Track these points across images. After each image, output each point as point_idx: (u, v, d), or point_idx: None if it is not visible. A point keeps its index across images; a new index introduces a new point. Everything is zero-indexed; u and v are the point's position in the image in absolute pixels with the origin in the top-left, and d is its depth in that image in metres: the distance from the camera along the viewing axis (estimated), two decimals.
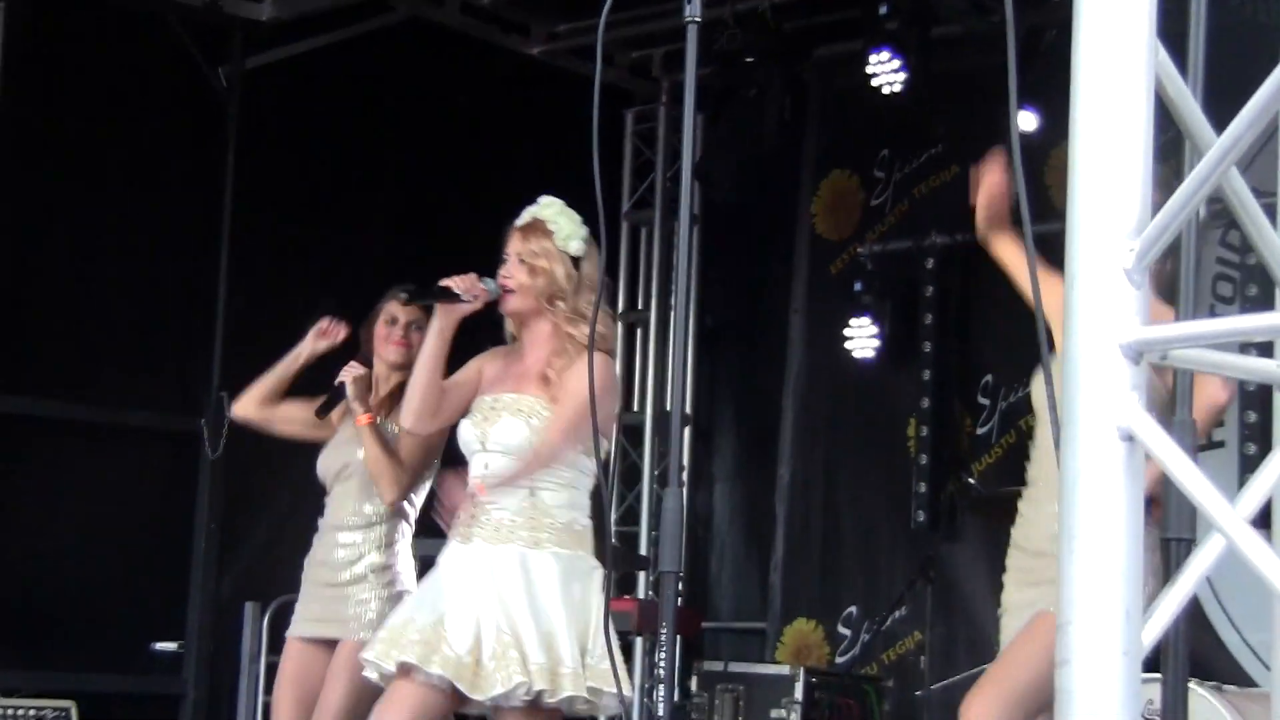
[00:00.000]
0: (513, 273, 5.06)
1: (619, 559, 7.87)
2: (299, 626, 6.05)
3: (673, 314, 10.67)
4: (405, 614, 5.04)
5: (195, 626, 9.02)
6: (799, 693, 8.14)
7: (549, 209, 5.11)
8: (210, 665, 8.99)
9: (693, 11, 4.06)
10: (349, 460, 5.96)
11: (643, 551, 10.27)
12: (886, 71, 8.94)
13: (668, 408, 10.65)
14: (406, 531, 5.98)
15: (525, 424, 4.99)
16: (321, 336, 6.17)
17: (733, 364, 10.71)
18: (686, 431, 10.25)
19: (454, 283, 4.97)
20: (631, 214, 10.83)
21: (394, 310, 6.03)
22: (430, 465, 5.93)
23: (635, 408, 10.78)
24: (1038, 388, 4.89)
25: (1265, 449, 7.97)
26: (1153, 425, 2.46)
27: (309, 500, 6.47)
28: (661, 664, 3.90)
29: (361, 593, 5.85)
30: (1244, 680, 6.48)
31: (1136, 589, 2.48)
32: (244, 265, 9.20)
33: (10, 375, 8.66)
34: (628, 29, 9.66)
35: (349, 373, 5.91)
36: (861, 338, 9.65)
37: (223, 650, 8.91)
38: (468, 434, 5.12)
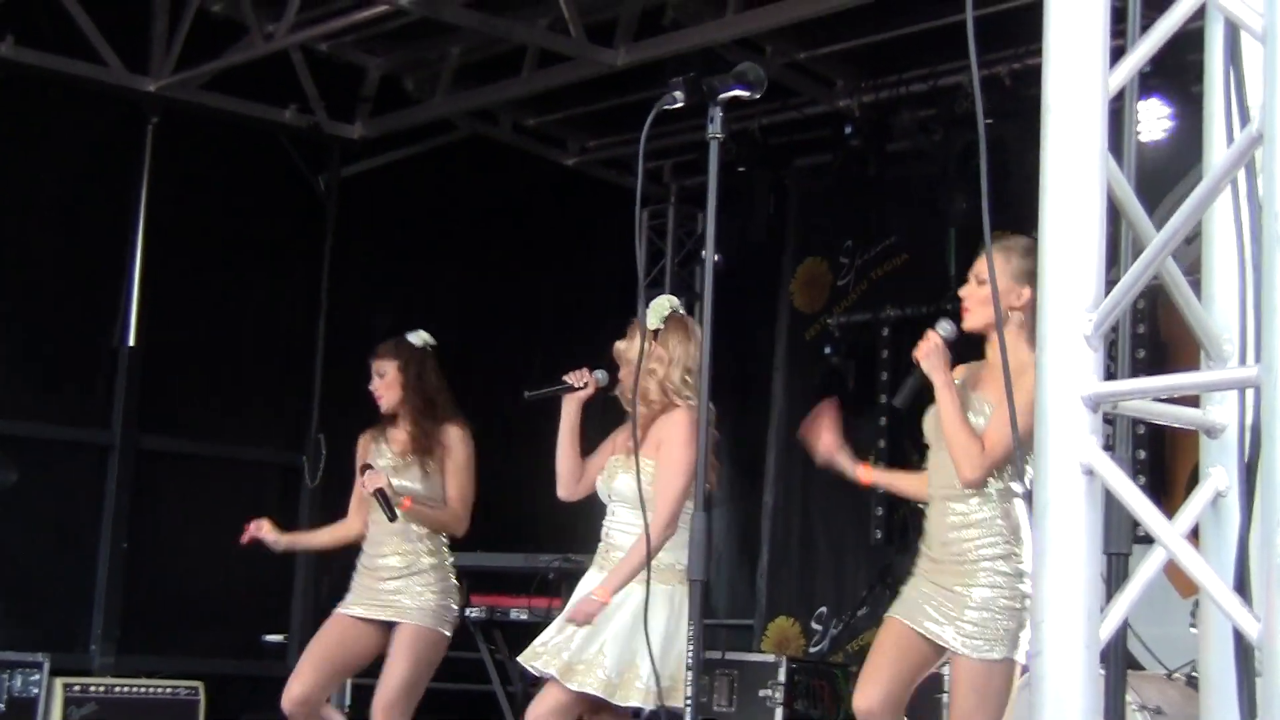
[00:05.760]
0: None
1: None
2: None
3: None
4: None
5: (298, 621, 8.95)
6: (781, 676, 8.05)
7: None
8: None
9: (714, 130, 4.06)
10: None
11: None
12: (852, 179, 8.93)
13: None
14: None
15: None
16: None
17: (726, 412, 10.62)
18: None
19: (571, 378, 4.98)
20: (646, 291, 10.79)
21: None
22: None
23: None
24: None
25: (1153, 482, 7.99)
26: (1108, 461, 2.43)
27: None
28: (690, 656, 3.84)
29: None
30: (1134, 665, 6.42)
31: (1096, 595, 2.44)
32: (338, 333, 9.16)
33: (157, 420, 8.72)
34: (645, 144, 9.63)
35: None
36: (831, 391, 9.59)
37: None
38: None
